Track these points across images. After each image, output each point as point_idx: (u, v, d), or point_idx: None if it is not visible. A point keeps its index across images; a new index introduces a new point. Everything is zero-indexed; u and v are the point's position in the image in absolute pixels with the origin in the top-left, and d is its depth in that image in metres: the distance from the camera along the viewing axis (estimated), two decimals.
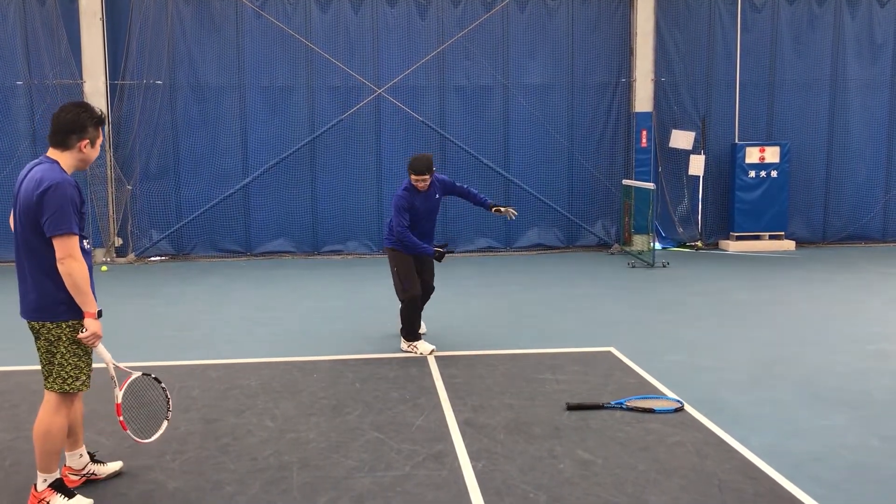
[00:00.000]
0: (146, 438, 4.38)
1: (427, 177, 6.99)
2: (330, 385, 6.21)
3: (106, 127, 12.79)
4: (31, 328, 4.04)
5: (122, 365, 4.37)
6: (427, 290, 7.48)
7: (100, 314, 4.08)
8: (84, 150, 4.07)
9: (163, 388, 4.58)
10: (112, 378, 4.30)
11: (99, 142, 4.17)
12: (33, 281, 3.97)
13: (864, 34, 14.08)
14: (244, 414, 5.56)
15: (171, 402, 4.61)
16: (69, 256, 3.87)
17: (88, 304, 3.97)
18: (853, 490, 4.31)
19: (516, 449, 4.87)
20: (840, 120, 14.23)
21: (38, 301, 3.97)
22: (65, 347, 4.00)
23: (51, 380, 4.02)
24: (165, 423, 4.51)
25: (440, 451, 4.86)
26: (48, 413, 4.02)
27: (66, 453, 4.35)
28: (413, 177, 6.98)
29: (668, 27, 13.80)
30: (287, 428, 5.28)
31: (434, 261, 7.30)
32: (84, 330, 3.99)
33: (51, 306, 3.96)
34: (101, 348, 4.15)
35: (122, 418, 4.22)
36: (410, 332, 7.22)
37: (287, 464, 4.69)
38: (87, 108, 4.07)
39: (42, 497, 4.03)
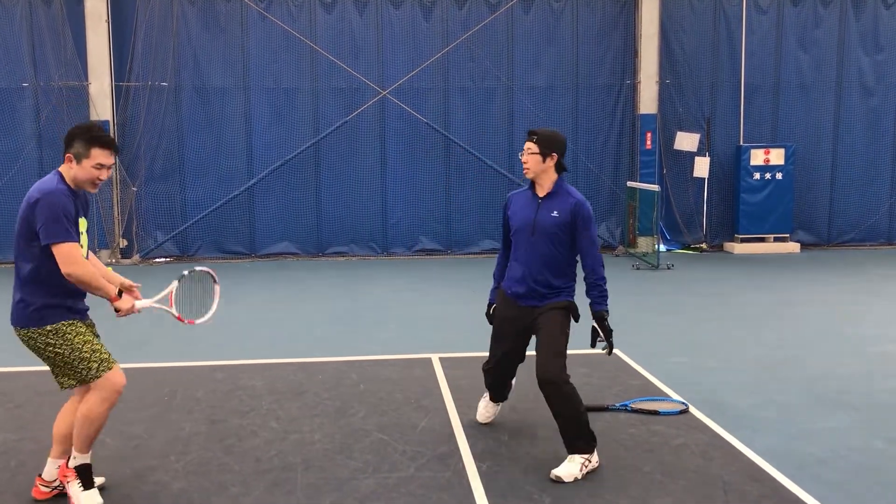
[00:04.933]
0: (209, 310, 4.55)
1: (530, 144, 4.70)
2: (334, 386, 6.21)
3: (111, 128, 12.83)
4: (17, 335, 4.07)
5: (154, 303, 4.34)
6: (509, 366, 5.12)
7: (120, 293, 4.10)
8: (70, 165, 4.00)
9: (197, 271, 4.59)
10: (164, 309, 4.38)
11: (89, 163, 3.98)
12: (16, 287, 4.04)
13: (870, 35, 14.06)
14: (249, 415, 5.57)
15: (213, 275, 4.64)
16: (73, 265, 3.86)
17: (108, 293, 4.01)
18: (858, 492, 4.30)
19: (521, 450, 4.87)
20: (845, 122, 14.20)
21: (15, 307, 4.02)
22: (56, 348, 4.00)
23: (70, 377, 4.05)
24: (216, 287, 4.62)
25: (445, 452, 4.86)
26: (90, 400, 4.04)
27: (49, 459, 4.28)
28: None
29: (672, 29, 13.79)
30: (291, 429, 5.28)
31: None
32: (117, 312, 4.08)
33: (31, 313, 3.97)
34: (142, 303, 4.21)
35: (189, 319, 4.45)
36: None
37: (291, 465, 4.69)
38: (85, 126, 4.07)
39: (66, 474, 4.13)
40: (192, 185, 13.34)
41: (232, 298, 10.15)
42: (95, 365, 4.03)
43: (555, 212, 4.62)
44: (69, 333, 4.03)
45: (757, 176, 13.75)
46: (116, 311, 4.09)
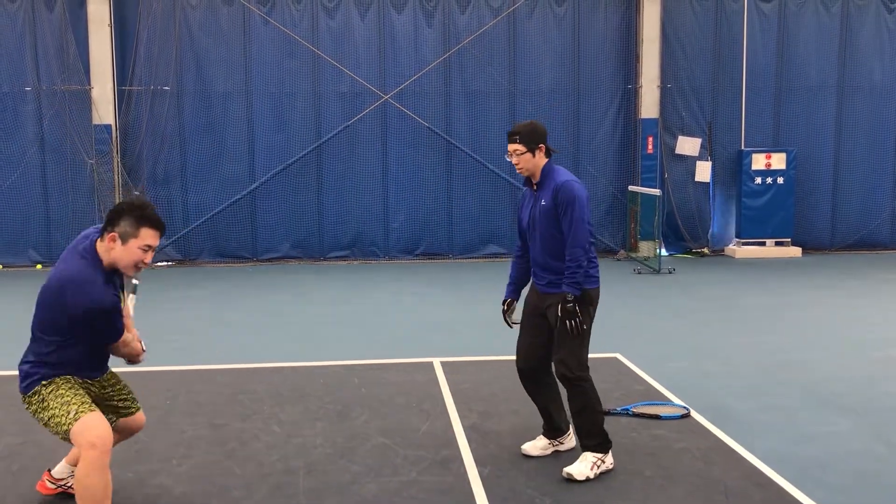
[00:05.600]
0: None
1: (515, 146, 4.63)
2: (336, 390, 6.22)
3: (113, 133, 12.87)
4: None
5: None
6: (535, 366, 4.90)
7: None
8: (110, 245, 3.70)
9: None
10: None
11: (137, 244, 3.68)
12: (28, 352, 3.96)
13: (872, 40, 14.06)
14: (250, 419, 5.58)
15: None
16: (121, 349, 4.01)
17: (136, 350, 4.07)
18: (859, 496, 4.30)
19: (522, 455, 4.87)
20: (847, 126, 14.20)
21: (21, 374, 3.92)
22: (42, 402, 3.86)
23: (60, 431, 3.81)
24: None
25: (446, 456, 4.86)
26: (79, 467, 3.71)
27: (63, 460, 4.33)
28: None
29: (674, 33, 13.81)
30: (293, 433, 5.29)
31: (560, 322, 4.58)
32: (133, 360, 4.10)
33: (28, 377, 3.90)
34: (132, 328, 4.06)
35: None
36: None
37: (293, 469, 4.70)
38: (136, 203, 3.76)
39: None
40: (193, 189, 13.36)
41: (233, 302, 10.16)
42: (75, 408, 3.77)
43: (543, 200, 4.59)
44: (52, 388, 3.86)
45: (758, 180, 13.76)
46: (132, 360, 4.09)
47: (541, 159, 4.63)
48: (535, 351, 4.79)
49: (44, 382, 3.83)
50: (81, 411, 3.73)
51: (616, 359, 7.11)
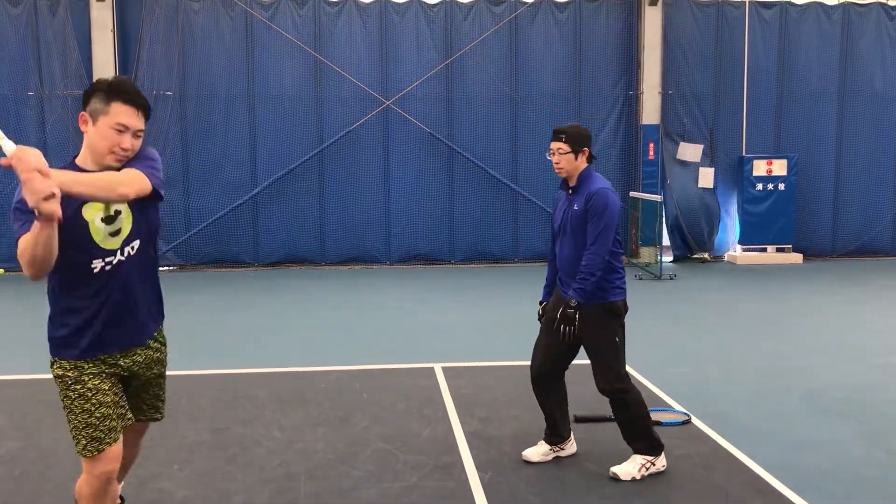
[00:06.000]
0: None
1: (559, 144, 4.58)
2: (337, 396, 6.22)
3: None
4: None
5: None
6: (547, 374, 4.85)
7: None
8: (83, 128, 3.00)
9: None
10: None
11: (107, 122, 2.94)
12: None
13: (873, 46, 14.09)
14: (252, 424, 5.58)
15: None
16: (20, 259, 2.82)
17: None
18: (860, 503, 4.30)
19: (523, 461, 4.88)
20: (848, 133, 14.22)
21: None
22: (63, 396, 3.22)
23: (73, 441, 3.25)
24: None
25: (447, 462, 4.87)
26: (82, 489, 3.27)
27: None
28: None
29: (675, 40, 13.83)
30: (295, 438, 5.29)
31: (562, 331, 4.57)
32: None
33: (49, 340, 3.24)
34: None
35: None
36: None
37: (294, 474, 4.70)
38: (110, 79, 3.04)
39: None
40: (196, 193, 13.38)
41: (235, 307, 10.17)
42: (84, 441, 3.17)
43: (576, 205, 4.54)
44: (69, 384, 3.18)
45: (759, 187, 13.77)
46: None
47: (582, 163, 4.61)
48: (552, 356, 4.75)
49: (66, 368, 3.16)
50: (106, 443, 3.16)
51: None
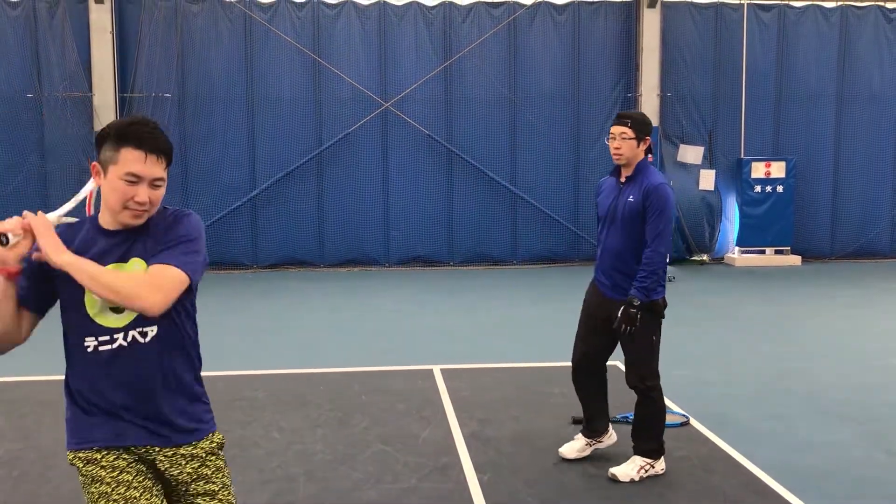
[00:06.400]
0: None
1: (623, 129, 4.58)
2: (336, 397, 6.22)
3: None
4: None
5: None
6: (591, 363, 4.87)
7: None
8: (97, 181, 2.45)
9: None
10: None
11: (116, 172, 2.36)
12: None
13: (871, 48, 14.11)
14: (251, 425, 5.58)
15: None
16: None
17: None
18: None
19: (522, 462, 4.88)
20: (846, 135, 14.24)
21: None
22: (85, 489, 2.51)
23: None
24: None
25: (446, 463, 4.87)
26: None
27: None
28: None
29: (674, 42, 13.85)
30: (293, 440, 5.29)
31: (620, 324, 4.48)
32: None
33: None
34: (54, 216, 2.52)
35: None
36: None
37: (293, 475, 4.70)
38: (124, 121, 2.42)
39: None
40: (195, 195, 13.37)
41: (234, 309, 10.17)
42: None
43: (631, 196, 4.45)
44: (84, 477, 2.48)
45: (758, 189, 13.78)
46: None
47: (641, 152, 4.56)
48: (593, 350, 4.76)
49: (80, 459, 2.49)
50: None
51: (616, 366, 7.10)
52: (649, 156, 4.69)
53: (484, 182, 13.67)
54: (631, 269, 4.49)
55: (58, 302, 2.48)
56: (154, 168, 2.41)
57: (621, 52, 13.89)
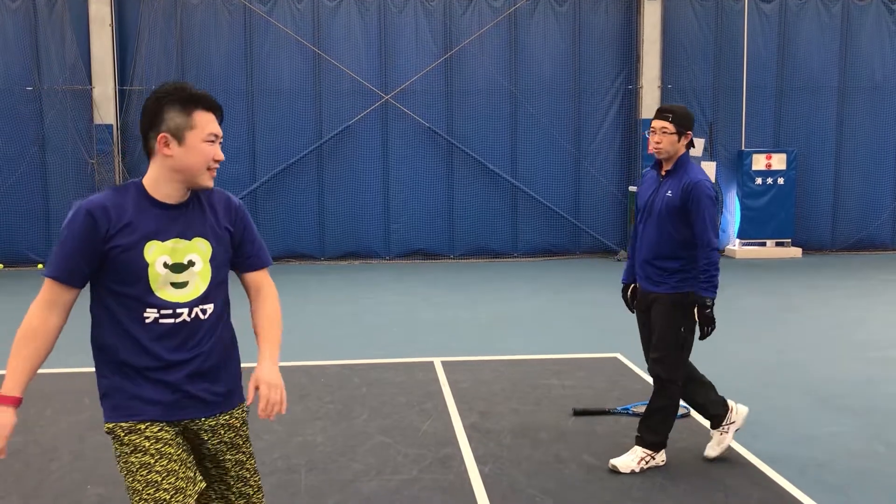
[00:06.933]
0: None
1: (664, 124, 4.59)
2: (337, 390, 6.23)
3: (115, 132, 12.89)
4: None
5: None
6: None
7: (19, 403, 2.47)
8: (166, 152, 2.47)
9: None
10: None
11: (197, 136, 2.48)
12: None
13: (873, 40, 14.08)
14: (251, 418, 5.58)
15: None
16: (33, 303, 2.54)
17: (6, 380, 2.44)
18: (859, 496, 4.31)
19: (522, 453, 4.89)
20: (847, 127, 14.22)
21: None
22: (122, 464, 2.56)
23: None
24: None
25: (447, 455, 4.88)
26: None
27: None
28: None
29: (674, 33, 13.82)
30: (294, 432, 5.30)
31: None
32: None
33: (101, 398, 2.62)
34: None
35: None
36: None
37: (294, 467, 4.71)
38: (170, 88, 2.50)
39: None
40: None
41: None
42: None
43: (669, 191, 4.43)
44: (125, 446, 2.53)
45: (759, 181, 13.77)
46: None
47: (682, 147, 4.53)
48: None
49: (122, 429, 2.53)
50: None
51: (616, 358, 7.13)
52: (692, 149, 4.65)
53: (484, 174, 13.66)
54: (661, 265, 4.48)
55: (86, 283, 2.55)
56: (219, 126, 2.60)
57: (622, 43, 13.87)
